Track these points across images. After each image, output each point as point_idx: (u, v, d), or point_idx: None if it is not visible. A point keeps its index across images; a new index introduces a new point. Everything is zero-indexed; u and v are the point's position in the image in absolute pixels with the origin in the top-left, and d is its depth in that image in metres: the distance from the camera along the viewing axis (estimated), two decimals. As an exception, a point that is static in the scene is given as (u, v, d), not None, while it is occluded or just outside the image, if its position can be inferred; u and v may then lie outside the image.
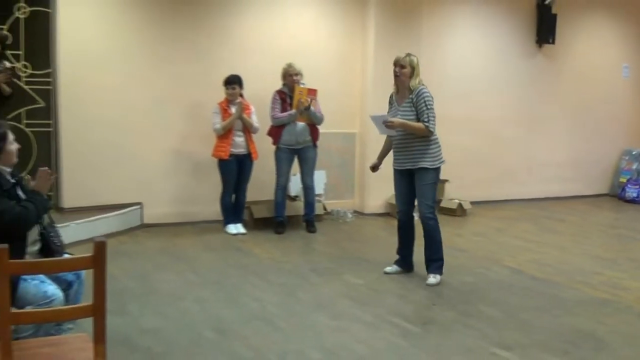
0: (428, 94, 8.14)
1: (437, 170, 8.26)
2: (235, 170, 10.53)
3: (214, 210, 10.93)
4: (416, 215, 8.44)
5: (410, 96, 8.16)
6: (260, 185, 11.00)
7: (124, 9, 10.70)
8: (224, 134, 10.34)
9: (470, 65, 13.10)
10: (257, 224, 10.97)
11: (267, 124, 10.66)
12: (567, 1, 13.57)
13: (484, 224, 11.64)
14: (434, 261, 8.32)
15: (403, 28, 11.96)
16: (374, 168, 8.75)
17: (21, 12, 9.94)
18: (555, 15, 13.46)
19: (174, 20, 10.93)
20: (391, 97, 8.54)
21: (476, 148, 13.17)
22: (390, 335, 6.51)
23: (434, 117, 8.11)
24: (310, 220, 10.92)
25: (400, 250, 8.70)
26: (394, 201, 11.35)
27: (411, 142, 8.19)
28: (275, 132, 10.61)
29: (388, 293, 7.84)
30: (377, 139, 11.74)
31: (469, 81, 13.04)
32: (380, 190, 11.89)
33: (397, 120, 8.10)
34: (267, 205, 11.07)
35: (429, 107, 8.08)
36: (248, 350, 6.10)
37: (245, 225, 10.81)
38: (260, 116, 10.54)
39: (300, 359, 5.95)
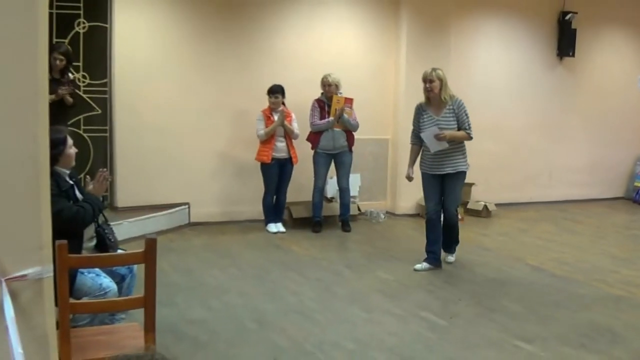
0: (464, 104, 8.50)
1: (466, 173, 8.70)
2: (276, 173, 10.54)
3: (256, 210, 10.94)
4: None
5: (450, 107, 8.43)
6: (299, 187, 11.01)
7: (175, 24, 10.75)
8: (267, 140, 10.34)
9: (496, 77, 13.03)
10: (296, 224, 10.97)
11: (307, 130, 10.67)
12: (586, 17, 13.45)
13: (508, 224, 11.57)
14: (454, 243, 8.97)
15: (433, 42, 11.93)
16: (410, 178, 8.91)
17: (81, 27, 10.01)
18: (575, 30, 13.37)
19: (221, 35, 10.97)
20: (421, 108, 8.65)
21: (501, 154, 13.10)
22: (419, 327, 6.49)
23: (470, 123, 8.47)
24: (345, 220, 10.90)
25: (430, 247, 8.73)
26: (424, 203, 11.43)
27: (451, 149, 8.44)
28: (314, 137, 10.62)
29: (417, 288, 7.81)
30: (408, 144, 11.79)
31: (494, 91, 12.98)
32: (411, 192, 11.84)
33: (448, 132, 8.31)
34: (305, 206, 11.07)
35: (468, 116, 8.46)
36: (286, 341, 6.11)
37: (285, 225, 10.81)
38: (300, 123, 10.55)
39: (335, 349, 5.94)
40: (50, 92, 9.09)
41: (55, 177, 5.17)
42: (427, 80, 8.45)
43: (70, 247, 4.24)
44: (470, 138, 8.49)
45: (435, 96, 8.45)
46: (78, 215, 5.12)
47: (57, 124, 8.79)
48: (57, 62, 8.86)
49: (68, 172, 5.41)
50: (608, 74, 14.13)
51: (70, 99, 9.00)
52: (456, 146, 8.48)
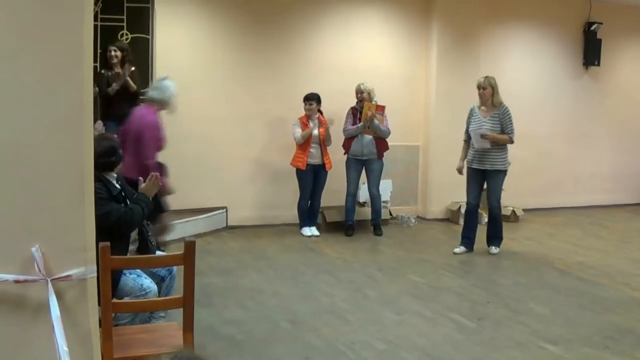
0: (510, 111, 9.25)
1: (506, 171, 9.40)
2: (311, 179, 10.55)
3: (291, 214, 10.96)
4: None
5: (497, 112, 9.24)
6: (333, 193, 11.00)
7: (213, 35, 10.83)
8: (303, 146, 10.37)
9: (523, 85, 12.96)
10: (329, 227, 10.97)
11: (341, 136, 10.69)
12: (611, 27, 13.36)
13: (535, 229, 11.49)
14: (496, 238, 9.59)
15: (462, 52, 11.92)
16: (460, 170, 9.69)
17: (124, 38, 10.10)
18: (600, 40, 13.29)
19: (257, 45, 11.02)
20: (472, 110, 9.48)
21: (528, 160, 13.02)
22: (448, 329, 6.48)
23: (513, 128, 9.22)
24: (377, 224, 10.87)
25: (465, 233, 9.67)
26: (454, 208, 11.47)
27: (493, 149, 9.21)
28: (347, 143, 10.64)
29: (447, 291, 7.78)
30: (439, 151, 11.77)
31: (522, 99, 12.89)
32: (441, 197, 11.84)
33: (491, 134, 9.12)
34: (338, 210, 11.06)
35: (511, 122, 9.22)
36: (319, 340, 6.12)
37: (319, 228, 10.81)
38: (335, 130, 10.55)
39: (366, 349, 5.94)
40: (108, 85, 9.26)
41: (104, 182, 5.23)
42: (480, 87, 9.30)
43: (116, 249, 4.30)
44: (511, 141, 9.23)
45: (486, 101, 9.29)
46: (126, 217, 5.17)
47: (118, 116, 8.99)
48: (113, 54, 9.08)
49: (115, 176, 5.47)
50: (633, 83, 14.01)
51: (133, 85, 9.33)
52: (497, 147, 9.20)
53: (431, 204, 12.11)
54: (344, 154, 10.70)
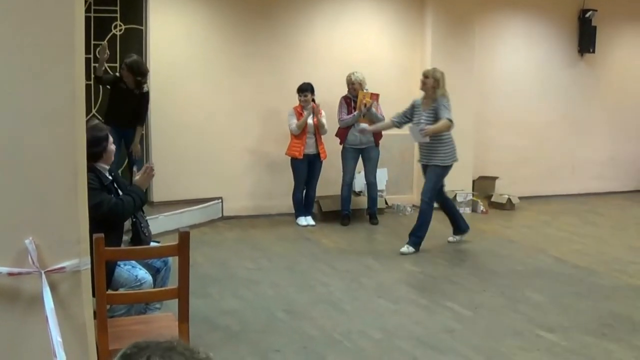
0: (446, 100, 8.79)
1: (447, 167, 9.02)
2: (306, 169, 10.55)
3: (286, 204, 10.96)
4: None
5: (433, 105, 8.83)
6: (328, 182, 10.99)
7: (207, 26, 10.81)
8: (299, 135, 10.36)
9: (519, 73, 12.97)
10: (325, 217, 10.97)
11: (335, 126, 10.67)
12: (606, 14, 13.33)
13: (531, 217, 11.50)
14: (415, 236, 9.00)
15: (457, 40, 11.90)
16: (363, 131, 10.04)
17: (117, 29, 10.08)
18: (595, 27, 13.27)
19: (252, 36, 10.99)
20: (415, 102, 9.18)
21: (524, 148, 13.04)
22: (445, 318, 6.48)
23: (449, 111, 8.71)
24: (373, 214, 10.87)
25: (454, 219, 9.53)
26: (449, 196, 11.44)
27: (434, 143, 8.86)
28: (342, 133, 10.61)
29: (443, 280, 7.79)
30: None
31: (518, 87, 12.92)
32: (436, 186, 11.86)
33: (429, 127, 8.66)
34: (334, 199, 11.06)
35: (446, 107, 8.73)
36: (316, 330, 6.12)
37: (315, 218, 10.81)
38: (329, 120, 10.54)
39: (363, 338, 5.95)
40: (124, 101, 9.15)
41: (96, 172, 5.21)
42: (424, 75, 9.01)
43: (110, 240, 4.29)
44: (450, 123, 8.70)
45: (426, 92, 8.94)
46: (117, 208, 5.16)
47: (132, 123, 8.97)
48: (124, 72, 9.00)
49: (108, 167, 5.45)
50: (628, 70, 14.00)
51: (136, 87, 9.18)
52: (438, 141, 8.82)
53: (426, 192, 12.10)
54: (340, 143, 10.69)
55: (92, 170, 5.12)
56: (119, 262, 5.14)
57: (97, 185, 5.13)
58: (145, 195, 5.65)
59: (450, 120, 8.69)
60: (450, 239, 9.47)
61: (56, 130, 3.24)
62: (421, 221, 9.01)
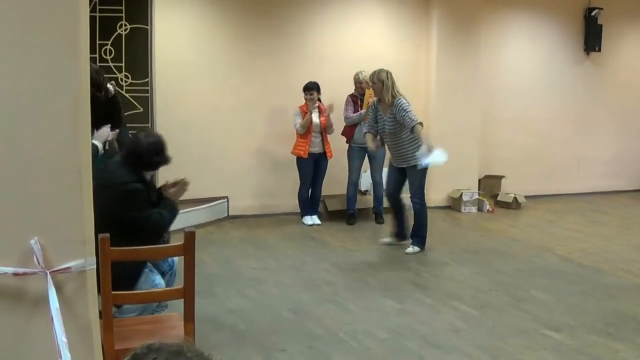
0: (404, 102, 8.59)
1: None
2: (311, 167, 10.53)
3: (292, 203, 10.94)
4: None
5: (391, 109, 8.63)
6: (334, 181, 10.98)
7: (212, 25, 10.80)
8: (305, 134, 10.35)
9: (524, 72, 12.94)
10: (330, 216, 10.95)
11: (341, 125, 10.67)
12: (612, 13, 13.30)
13: (537, 216, 11.47)
14: (418, 237, 9.00)
15: (463, 39, 11.87)
16: (375, 147, 9.25)
17: (123, 29, 10.08)
18: (601, 26, 13.24)
19: (257, 34, 10.98)
20: (375, 105, 8.97)
21: (530, 147, 13.01)
22: (450, 317, 6.47)
23: (410, 115, 8.44)
24: (378, 213, 10.85)
25: (396, 225, 9.31)
26: (455, 195, 11.42)
27: (402, 147, 8.74)
28: (348, 131, 10.60)
29: (448, 279, 7.78)
30: (440, 139, 11.72)
31: (523, 86, 12.89)
32: (442, 185, 11.81)
33: (424, 147, 8.34)
34: (340, 199, 11.05)
35: (407, 110, 8.50)
36: (321, 330, 6.12)
37: (320, 217, 10.79)
38: (334, 118, 10.53)
39: (368, 337, 5.94)
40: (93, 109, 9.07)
41: (147, 184, 5.22)
42: (370, 81, 8.96)
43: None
44: (420, 125, 8.47)
45: (378, 95, 8.82)
46: (160, 223, 5.24)
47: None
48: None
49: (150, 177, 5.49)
50: (634, 68, 13.96)
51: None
52: (409, 143, 8.65)
53: (432, 191, 12.04)
54: (346, 142, 10.67)
55: (142, 180, 5.14)
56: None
57: (145, 197, 5.15)
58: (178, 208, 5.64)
59: (419, 123, 8.49)
60: (409, 250, 8.99)
61: (61, 131, 3.24)
62: (420, 222, 9.03)
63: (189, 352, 1.87)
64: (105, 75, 8.84)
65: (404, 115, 8.47)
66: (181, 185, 5.54)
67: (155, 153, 5.23)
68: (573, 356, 5.55)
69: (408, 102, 8.66)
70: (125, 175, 5.11)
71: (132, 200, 5.06)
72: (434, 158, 8.44)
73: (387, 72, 8.78)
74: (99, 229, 4.94)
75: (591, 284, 7.60)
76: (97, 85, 8.29)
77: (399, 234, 9.25)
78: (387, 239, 9.32)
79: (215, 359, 1.92)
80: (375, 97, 8.95)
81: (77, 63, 3.23)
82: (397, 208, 9.22)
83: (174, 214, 5.35)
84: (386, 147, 9.43)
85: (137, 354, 1.87)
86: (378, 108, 8.89)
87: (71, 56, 3.21)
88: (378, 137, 9.12)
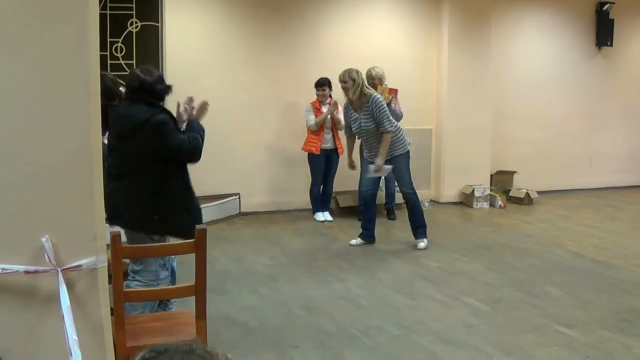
0: (380, 100, 8.60)
1: (407, 152, 8.92)
2: (323, 164, 10.53)
3: (303, 199, 10.95)
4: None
5: (367, 105, 8.56)
6: (346, 177, 10.97)
7: (223, 21, 10.81)
8: (317, 131, 10.36)
9: (536, 67, 12.90)
10: (342, 212, 10.95)
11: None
12: (623, 7, 13.25)
13: (550, 211, 11.44)
14: (420, 227, 9.00)
15: (474, 34, 11.84)
16: (352, 165, 9.51)
17: (133, 26, 10.09)
18: (612, 20, 13.20)
19: (268, 31, 10.99)
20: (348, 106, 8.89)
21: (542, 142, 12.98)
22: (463, 313, 6.46)
23: (387, 118, 8.56)
24: (390, 209, 10.84)
25: (365, 224, 9.22)
26: (467, 191, 11.37)
27: (377, 143, 8.67)
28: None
29: (461, 275, 7.76)
30: (452, 134, 11.71)
31: (535, 81, 12.86)
32: (455, 181, 11.81)
33: (379, 162, 8.56)
34: (351, 195, 11.03)
35: (382, 111, 8.51)
36: (333, 326, 6.11)
37: (332, 213, 10.79)
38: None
39: (381, 334, 5.93)
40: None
41: (168, 112, 5.28)
42: (340, 80, 8.82)
43: (182, 178, 5.05)
44: (391, 134, 8.58)
45: (351, 95, 8.68)
46: (197, 142, 5.29)
47: None
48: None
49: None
50: (646, 62, 13.95)
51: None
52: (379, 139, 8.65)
53: (445, 187, 12.07)
54: (357, 137, 10.65)
55: (165, 111, 5.18)
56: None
57: (174, 125, 5.18)
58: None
59: (392, 132, 8.57)
60: (353, 242, 9.13)
61: (71, 129, 3.23)
62: (418, 213, 9.04)
63: (199, 350, 1.84)
64: (115, 74, 8.90)
65: (381, 116, 8.50)
66: (202, 106, 5.57)
67: (158, 82, 5.23)
68: (586, 352, 5.52)
69: (383, 100, 8.73)
70: (147, 111, 5.10)
71: (164, 131, 5.07)
72: (380, 174, 8.86)
73: (357, 70, 8.76)
74: (136, 167, 5.11)
75: (604, 279, 7.56)
76: (116, 96, 8.33)
77: (366, 235, 9.18)
78: (355, 241, 9.15)
79: (224, 357, 1.89)
80: (346, 97, 8.88)
81: (87, 61, 3.22)
82: (372, 207, 9.23)
83: (202, 133, 5.37)
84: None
85: (145, 358, 1.83)
86: (349, 109, 8.85)
87: (81, 54, 3.20)
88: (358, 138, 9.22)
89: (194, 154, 5.28)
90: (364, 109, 8.58)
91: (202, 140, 5.36)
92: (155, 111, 5.12)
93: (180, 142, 5.10)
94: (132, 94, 5.25)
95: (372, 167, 8.67)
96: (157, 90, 5.19)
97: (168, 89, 5.35)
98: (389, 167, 8.68)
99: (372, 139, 8.73)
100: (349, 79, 8.65)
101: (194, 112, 5.53)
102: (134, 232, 5.17)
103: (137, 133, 5.04)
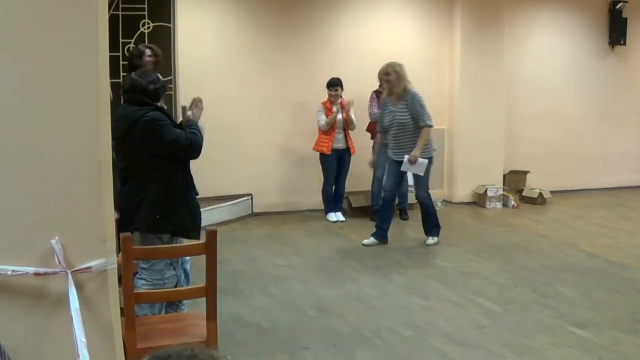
0: (420, 96, 8.71)
1: (431, 159, 8.87)
2: (335, 164, 10.51)
3: (316, 200, 10.93)
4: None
5: (405, 99, 8.69)
6: (358, 177, 10.96)
7: (235, 21, 10.82)
8: (328, 131, 10.34)
9: (549, 66, 12.85)
10: (354, 212, 10.92)
11: (365, 121, 10.67)
12: (636, 6, 13.18)
13: (563, 211, 11.38)
14: (434, 227, 9.12)
15: (486, 33, 11.79)
16: (374, 164, 9.85)
17: (145, 27, 10.08)
18: (625, 19, 13.12)
19: (280, 30, 10.99)
20: (384, 99, 9.08)
21: (555, 141, 12.93)
22: (475, 314, 6.43)
23: (428, 114, 8.69)
24: (403, 209, 10.81)
25: (380, 224, 9.21)
26: (480, 191, 11.32)
27: (407, 140, 8.75)
28: (373, 127, 10.51)
29: (473, 275, 7.72)
30: (465, 134, 11.65)
31: (548, 80, 12.81)
32: (467, 181, 11.78)
33: (415, 152, 8.60)
34: (364, 195, 11.02)
35: (423, 106, 8.65)
36: (345, 327, 6.09)
37: (344, 214, 10.77)
38: (359, 114, 10.51)
39: (393, 335, 5.91)
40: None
41: (163, 111, 5.26)
42: (384, 72, 8.88)
43: (182, 174, 5.11)
44: (429, 128, 8.73)
45: (392, 88, 8.80)
46: (196, 138, 5.26)
47: None
48: (148, 59, 8.81)
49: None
50: (660, 61, 13.87)
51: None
52: (414, 136, 8.70)
53: (457, 187, 12.04)
54: (371, 138, 10.65)
55: (159, 109, 5.18)
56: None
57: (168, 121, 5.17)
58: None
59: (431, 126, 8.75)
60: (366, 242, 9.11)
61: (80, 129, 3.23)
62: (432, 215, 9.14)
63: (202, 355, 1.82)
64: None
65: (420, 111, 8.60)
66: (196, 104, 5.53)
67: (152, 82, 5.22)
68: (599, 353, 5.48)
69: (422, 97, 8.78)
70: (138, 110, 5.10)
71: (157, 127, 5.05)
72: (414, 169, 8.79)
73: (400, 64, 8.87)
74: (136, 168, 5.15)
75: (618, 280, 7.51)
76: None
77: (379, 235, 9.15)
78: (368, 241, 9.12)
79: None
80: (387, 89, 8.96)
81: (96, 61, 3.21)
82: (390, 207, 9.32)
83: (199, 133, 5.35)
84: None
85: None
86: (386, 105, 8.94)
87: (90, 54, 3.20)
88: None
89: (193, 149, 5.25)
90: (401, 103, 8.70)
91: (201, 136, 5.34)
92: (147, 109, 5.11)
93: (176, 137, 5.08)
94: (125, 95, 5.27)
95: (407, 156, 8.65)
96: (150, 89, 5.18)
97: (163, 88, 5.34)
98: (425, 160, 8.68)
99: (401, 135, 8.76)
100: (393, 71, 8.77)
101: (189, 112, 5.50)
102: (142, 233, 5.17)
103: (132, 133, 5.04)
